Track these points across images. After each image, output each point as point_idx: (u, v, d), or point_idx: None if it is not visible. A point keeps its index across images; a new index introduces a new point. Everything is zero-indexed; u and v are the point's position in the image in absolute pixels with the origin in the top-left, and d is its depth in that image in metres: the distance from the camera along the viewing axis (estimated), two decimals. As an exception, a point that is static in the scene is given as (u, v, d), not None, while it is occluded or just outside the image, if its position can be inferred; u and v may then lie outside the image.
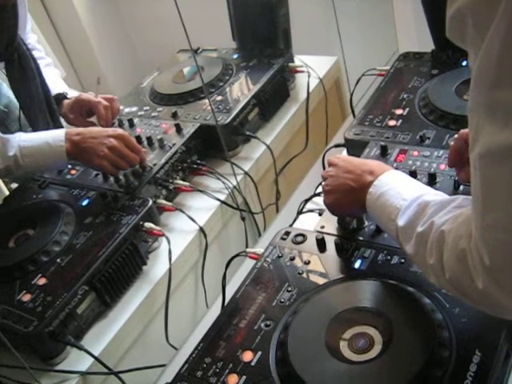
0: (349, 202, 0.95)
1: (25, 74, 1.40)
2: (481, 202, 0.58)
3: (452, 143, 1.00)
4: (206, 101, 1.48)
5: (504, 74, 0.51)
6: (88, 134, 1.25)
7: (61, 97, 1.52)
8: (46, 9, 2.22)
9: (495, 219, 0.57)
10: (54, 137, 1.25)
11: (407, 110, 1.27)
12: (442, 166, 1.09)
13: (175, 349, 1.17)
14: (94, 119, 1.48)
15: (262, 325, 0.91)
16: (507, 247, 0.57)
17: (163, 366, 1.12)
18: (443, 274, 0.69)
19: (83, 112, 1.49)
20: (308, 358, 0.83)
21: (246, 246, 1.38)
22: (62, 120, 1.51)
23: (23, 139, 1.25)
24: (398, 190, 0.85)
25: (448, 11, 0.55)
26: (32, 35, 1.58)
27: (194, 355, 0.90)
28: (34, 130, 1.39)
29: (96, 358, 1.05)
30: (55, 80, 1.57)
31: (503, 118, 0.52)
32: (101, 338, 1.11)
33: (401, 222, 0.80)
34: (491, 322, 0.80)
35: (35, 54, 1.52)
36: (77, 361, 1.07)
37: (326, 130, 1.64)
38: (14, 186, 1.50)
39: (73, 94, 1.53)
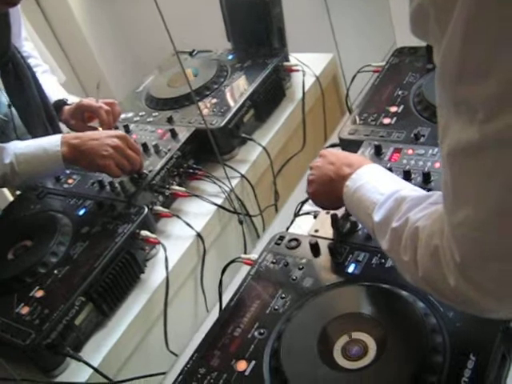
0: (327, 192, 0.95)
1: (20, 82, 1.39)
2: (451, 199, 0.57)
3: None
4: (202, 104, 1.47)
5: (465, 70, 0.49)
6: (87, 137, 1.24)
7: (61, 103, 1.51)
8: (43, 13, 2.21)
9: (465, 216, 0.56)
10: (49, 142, 1.24)
11: (402, 107, 1.25)
12: (437, 165, 1.07)
13: (176, 355, 1.16)
14: (95, 124, 1.47)
15: (256, 333, 0.91)
16: (477, 244, 0.56)
17: (164, 373, 1.12)
18: (417, 271, 0.68)
19: (85, 117, 1.48)
20: (301, 367, 0.82)
21: (245, 250, 1.38)
22: (63, 126, 1.50)
23: (19, 147, 1.25)
24: (375, 184, 0.84)
25: (410, 5, 0.53)
26: (27, 43, 1.56)
27: (188, 365, 0.90)
28: (34, 137, 1.38)
29: (95, 369, 1.06)
30: (54, 87, 1.56)
31: (468, 114, 0.50)
32: (100, 348, 1.11)
33: (377, 217, 0.79)
34: (486, 325, 0.79)
35: (31, 61, 1.52)
36: (76, 372, 1.07)
37: (324, 129, 1.62)
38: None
39: (73, 99, 1.53)
